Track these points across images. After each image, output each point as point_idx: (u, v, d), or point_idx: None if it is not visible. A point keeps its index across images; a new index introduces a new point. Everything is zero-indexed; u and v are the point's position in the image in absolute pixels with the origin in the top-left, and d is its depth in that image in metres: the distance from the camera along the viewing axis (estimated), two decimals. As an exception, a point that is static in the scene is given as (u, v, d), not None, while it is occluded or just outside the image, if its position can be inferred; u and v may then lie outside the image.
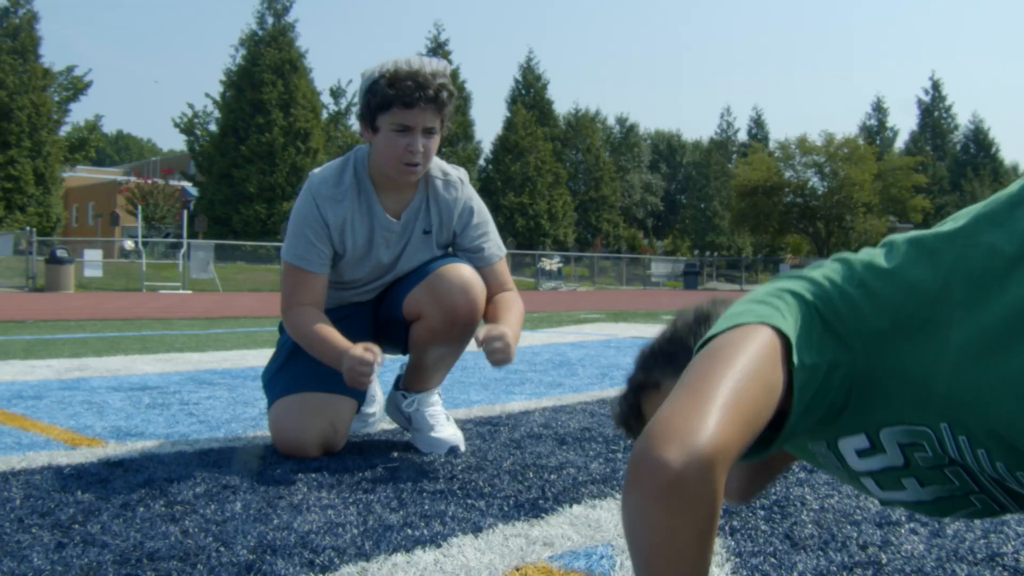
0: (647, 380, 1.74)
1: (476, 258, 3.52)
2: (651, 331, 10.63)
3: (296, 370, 3.41)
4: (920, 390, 1.34)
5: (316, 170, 3.45)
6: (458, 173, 3.54)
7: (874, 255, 1.45)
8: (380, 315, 3.60)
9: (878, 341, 1.37)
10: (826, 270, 1.47)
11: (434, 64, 3.26)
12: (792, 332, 1.35)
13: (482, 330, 3.10)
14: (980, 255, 1.33)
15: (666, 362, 1.71)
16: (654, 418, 1.25)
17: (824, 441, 1.50)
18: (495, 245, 3.57)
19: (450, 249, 3.59)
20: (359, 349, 3.04)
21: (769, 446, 1.40)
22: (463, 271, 3.39)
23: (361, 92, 3.28)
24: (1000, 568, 2.13)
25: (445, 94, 3.22)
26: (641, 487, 1.21)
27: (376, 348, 3.07)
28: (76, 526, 2.38)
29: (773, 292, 1.45)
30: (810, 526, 2.43)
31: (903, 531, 2.39)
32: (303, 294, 3.36)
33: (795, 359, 1.32)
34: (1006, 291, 1.27)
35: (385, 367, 4.41)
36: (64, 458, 3.23)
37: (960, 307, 1.31)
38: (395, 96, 3.15)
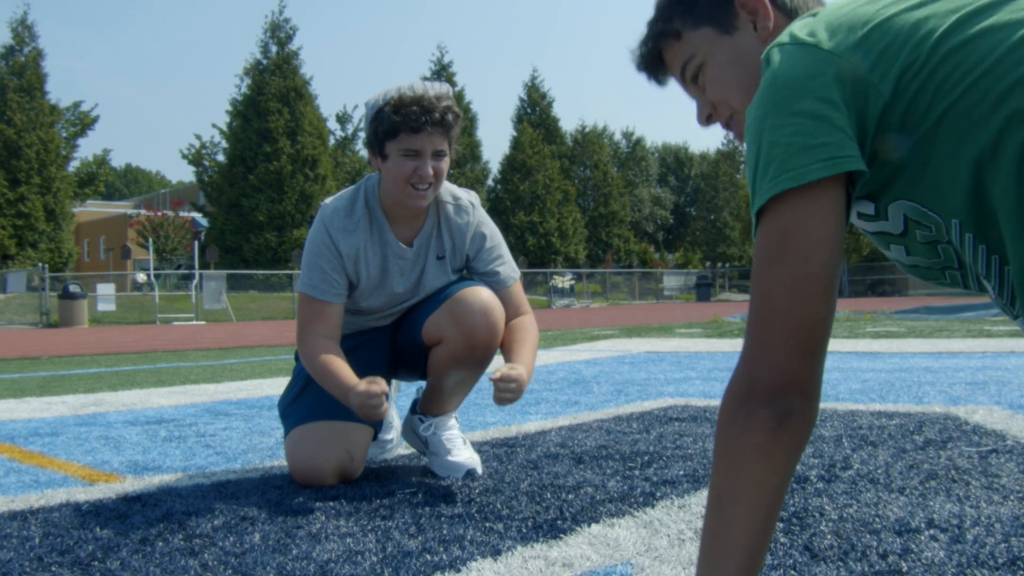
0: (667, 29, 1.77)
1: (491, 282, 3.52)
2: (665, 345, 10.57)
3: (312, 399, 3.41)
4: (946, 178, 1.37)
5: (328, 200, 3.46)
6: (469, 197, 3.54)
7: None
8: (398, 340, 3.61)
9: (923, 125, 1.37)
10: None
11: (437, 87, 3.27)
12: (854, 156, 1.37)
13: (499, 371, 3.11)
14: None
15: (685, 11, 1.74)
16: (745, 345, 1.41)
17: None
18: (510, 268, 3.57)
19: (465, 273, 3.59)
20: (364, 384, 3.05)
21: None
22: (482, 294, 3.39)
23: (367, 121, 3.29)
24: (1022, 572, 2.12)
25: (451, 116, 3.23)
26: (758, 415, 1.39)
27: (380, 380, 3.07)
28: (95, 563, 2.38)
29: (809, 91, 1.41)
30: (829, 537, 2.43)
31: (923, 538, 2.38)
32: (317, 324, 3.36)
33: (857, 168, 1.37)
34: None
35: (401, 392, 4.42)
36: (82, 494, 3.23)
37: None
38: (401, 122, 3.16)
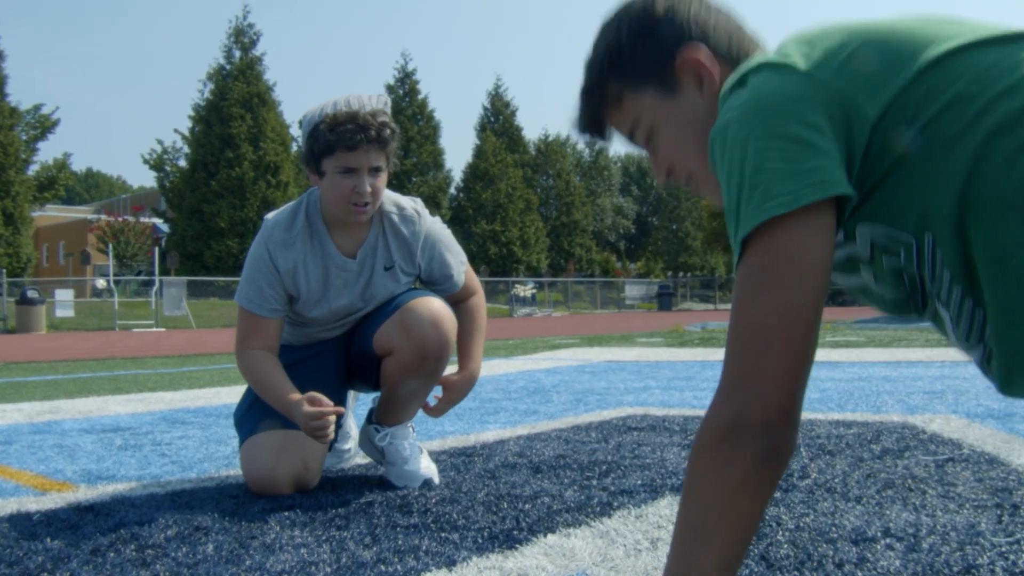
0: (605, 96, 1.75)
1: (449, 284, 3.53)
2: (626, 354, 10.61)
3: (266, 407, 3.39)
4: (921, 198, 1.35)
5: (271, 214, 3.44)
6: (414, 204, 3.52)
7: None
8: (351, 351, 3.59)
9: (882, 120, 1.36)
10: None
11: (373, 102, 3.24)
12: (840, 181, 1.35)
13: (451, 379, 3.36)
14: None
15: (621, 74, 1.71)
16: (723, 375, 1.39)
17: None
18: (459, 262, 3.58)
19: (416, 283, 3.58)
20: (306, 405, 3.07)
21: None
22: (432, 304, 3.38)
23: (303, 137, 3.26)
24: (976, 584, 2.13)
25: (387, 132, 3.21)
26: (735, 445, 1.36)
27: (322, 397, 3.10)
28: (45, 574, 2.35)
29: (793, 115, 1.38)
30: (786, 546, 2.43)
31: (879, 547, 2.39)
32: (254, 338, 3.36)
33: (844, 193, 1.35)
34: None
35: (359, 401, 4.40)
36: (33, 504, 3.20)
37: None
38: (337, 140, 3.13)
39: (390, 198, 3.45)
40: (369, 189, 3.20)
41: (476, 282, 3.65)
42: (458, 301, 3.56)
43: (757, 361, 1.35)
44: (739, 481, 1.35)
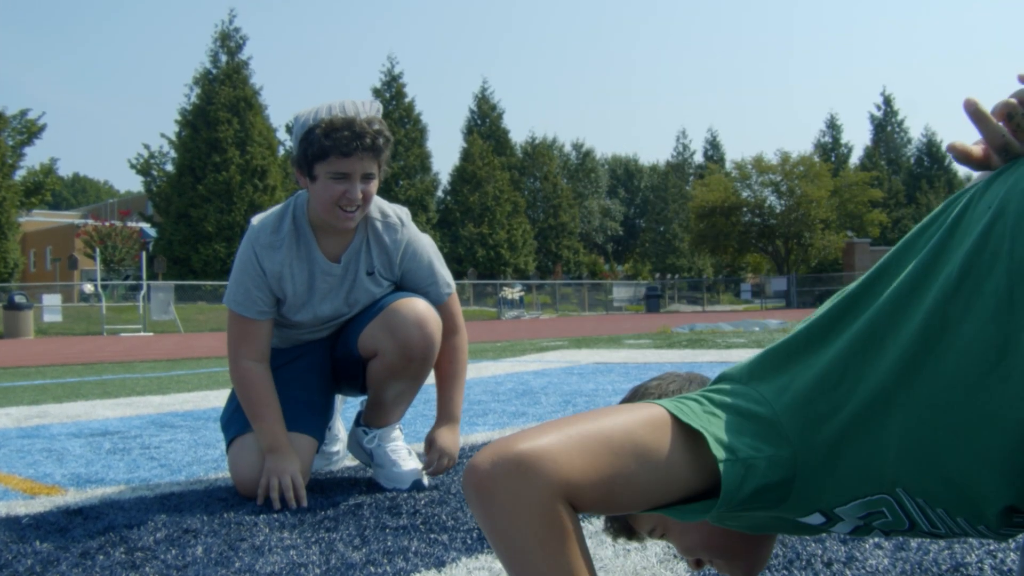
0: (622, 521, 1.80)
1: (427, 300, 3.51)
2: (614, 356, 10.59)
3: (253, 410, 3.40)
4: (868, 471, 1.32)
5: (257, 217, 3.44)
6: (398, 213, 3.51)
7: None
8: (336, 353, 3.59)
9: (811, 432, 1.35)
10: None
11: (367, 109, 3.24)
12: (708, 425, 1.32)
13: (430, 461, 3.46)
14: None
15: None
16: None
17: (778, 519, 1.49)
18: (443, 283, 3.56)
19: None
20: (287, 477, 3.18)
21: (699, 512, 1.39)
22: (417, 305, 3.38)
23: (296, 140, 3.25)
24: (963, 581, 2.14)
25: (382, 140, 3.21)
26: (465, 491, 1.25)
27: (300, 485, 3.20)
28: (34, 577, 2.35)
29: (707, 400, 1.40)
30: (775, 546, 2.43)
31: (867, 546, 2.39)
32: (247, 345, 3.38)
33: (713, 448, 1.29)
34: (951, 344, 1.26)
35: (347, 404, 4.40)
36: (22, 508, 3.19)
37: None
38: (332, 146, 3.13)
39: (376, 204, 3.45)
40: (360, 195, 3.20)
41: (460, 318, 3.63)
42: (443, 334, 3.54)
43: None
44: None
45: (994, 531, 1.32)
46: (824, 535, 2.41)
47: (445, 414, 3.54)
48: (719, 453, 1.28)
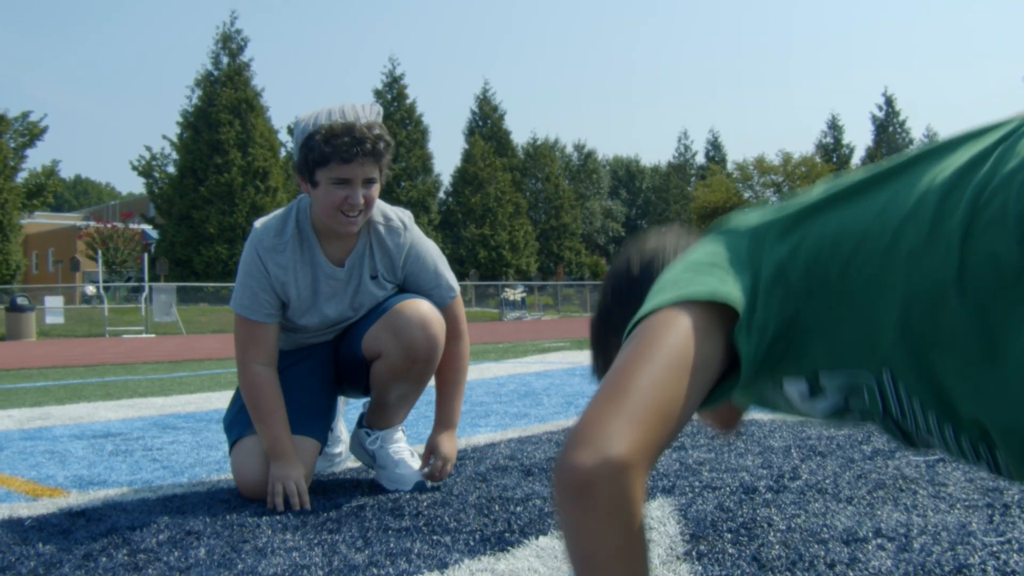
0: (608, 347, 1.76)
1: (432, 300, 3.51)
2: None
3: (256, 411, 3.40)
4: (865, 336, 1.32)
5: (260, 220, 3.43)
6: (401, 216, 3.51)
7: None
8: (340, 355, 3.59)
9: (825, 290, 1.35)
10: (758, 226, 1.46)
11: (367, 113, 3.23)
12: (734, 295, 1.33)
13: (437, 461, 3.45)
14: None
15: (616, 332, 1.73)
16: (575, 421, 1.26)
17: (771, 382, 1.49)
18: (446, 286, 3.56)
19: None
20: (291, 483, 3.18)
21: (723, 396, 1.39)
22: (421, 307, 3.38)
23: (296, 145, 3.25)
24: (966, 583, 2.14)
25: (382, 145, 3.20)
26: (560, 491, 1.22)
27: (304, 491, 3.20)
28: (37, 579, 2.35)
29: (712, 254, 1.43)
30: (777, 547, 2.43)
31: (870, 547, 2.39)
32: (255, 349, 3.36)
33: (738, 328, 1.31)
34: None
35: (350, 405, 4.40)
36: (25, 510, 3.19)
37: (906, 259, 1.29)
38: (332, 152, 3.12)
39: (379, 208, 3.45)
40: (362, 200, 3.20)
41: (463, 323, 3.62)
42: (446, 337, 3.52)
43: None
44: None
45: (955, 441, 1.33)
46: (825, 537, 2.41)
47: (444, 420, 3.54)
48: (743, 315, 1.32)
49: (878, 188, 1.35)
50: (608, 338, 1.78)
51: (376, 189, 3.27)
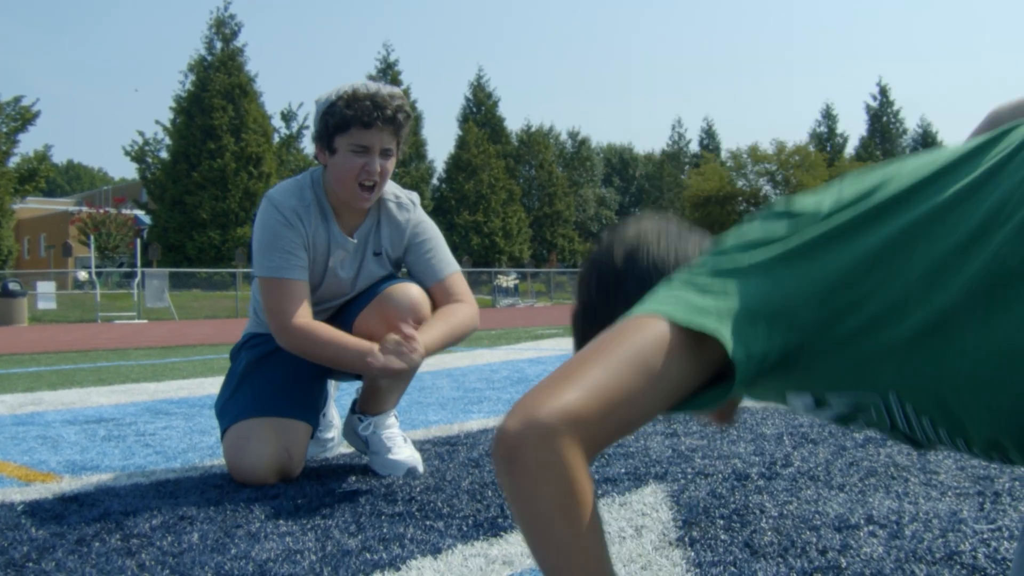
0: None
1: (427, 275, 3.51)
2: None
3: (248, 396, 3.40)
4: (871, 366, 1.32)
5: (274, 188, 3.43)
6: (409, 196, 3.55)
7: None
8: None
9: (826, 326, 1.34)
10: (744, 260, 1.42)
11: (390, 88, 3.30)
12: (723, 325, 1.31)
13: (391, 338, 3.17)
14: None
15: (600, 326, 1.72)
16: None
17: (772, 392, 1.49)
18: (444, 262, 3.55)
19: (404, 270, 3.59)
20: (385, 345, 3.11)
21: (710, 405, 1.39)
22: (411, 291, 3.38)
23: (317, 115, 3.28)
24: (959, 567, 2.15)
25: (402, 115, 3.25)
26: (493, 457, 1.24)
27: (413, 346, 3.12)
28: (30, 564, 2.35)
29: (720, 271, 1.40)
30: (769, 533, 2.44)
31: (862, 534, 2.40)
32: (294, 304, 3.27)
33: (730, 349, 1.28)
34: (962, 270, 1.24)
35: (342, 391, 4.40)
36: (17, 495, 3.19)
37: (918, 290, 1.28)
38: (353, 116, 3.16)
39: (390, 187, 3.49)
40: (378, 169, 3.22)
41: (468, 293, 3.57)
42: (442, 305, 3.48)
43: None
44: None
45: (969, 451, 1.34)
46: (817, 523, 2.42)
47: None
48: (737, 354, 1.29)
49: (884, 221, 1.33)
50: (593, 332, 1.77)
51: (392, 163, 3.30)
